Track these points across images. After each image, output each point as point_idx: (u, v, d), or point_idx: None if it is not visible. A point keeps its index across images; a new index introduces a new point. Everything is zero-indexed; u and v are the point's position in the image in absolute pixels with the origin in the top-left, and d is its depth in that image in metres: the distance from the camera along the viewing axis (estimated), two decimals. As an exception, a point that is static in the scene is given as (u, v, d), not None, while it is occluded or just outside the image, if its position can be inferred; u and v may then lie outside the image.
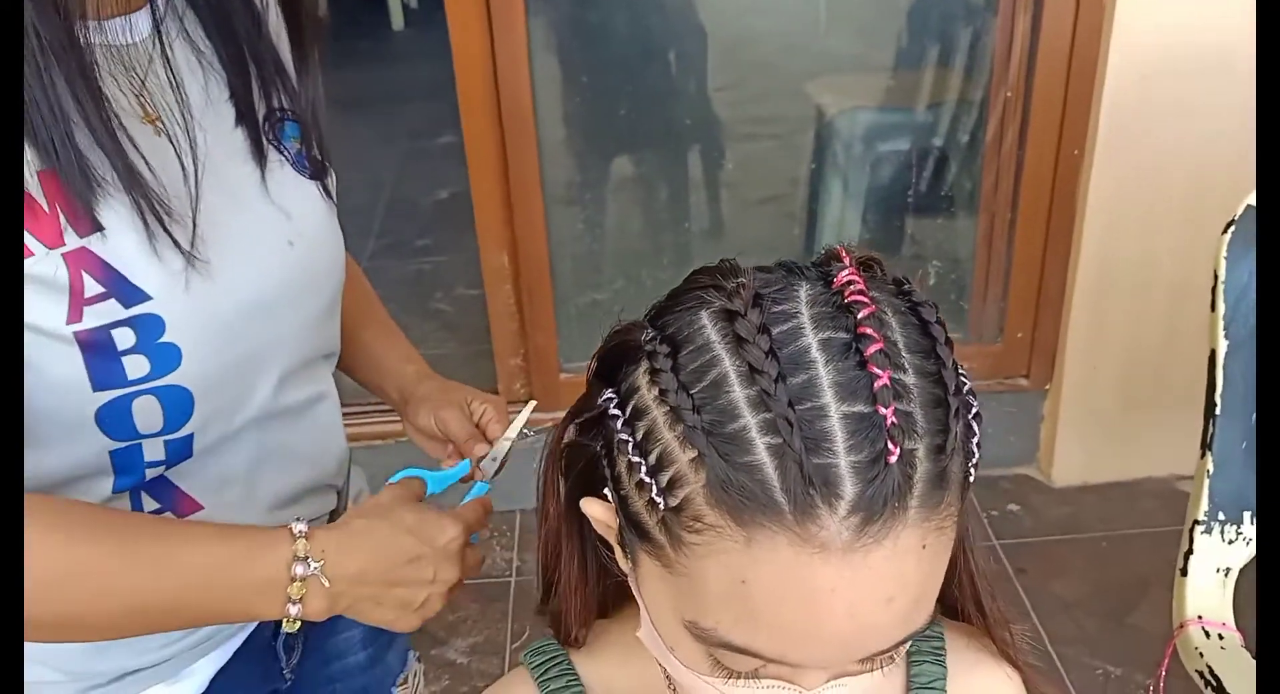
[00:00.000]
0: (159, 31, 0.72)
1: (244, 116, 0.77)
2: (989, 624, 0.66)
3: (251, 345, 0.75)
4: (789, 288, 0.50)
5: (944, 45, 2.18)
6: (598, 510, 0.56)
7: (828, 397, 0.46)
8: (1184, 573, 1.33)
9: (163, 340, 0.68)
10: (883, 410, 0.45)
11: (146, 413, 0.70)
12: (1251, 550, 1.32)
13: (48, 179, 0.64)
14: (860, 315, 0.47)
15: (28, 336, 0.65)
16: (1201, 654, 1.24)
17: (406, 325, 2.85)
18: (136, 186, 0.66)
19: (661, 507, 0.49)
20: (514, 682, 0.69)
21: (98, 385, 0.67)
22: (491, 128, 1.95)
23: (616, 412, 0.52)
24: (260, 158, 0.77)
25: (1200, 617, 1.30)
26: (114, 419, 0.69)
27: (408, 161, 3.74)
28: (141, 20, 0.72)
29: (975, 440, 0.51)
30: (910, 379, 0.48)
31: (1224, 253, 1.30)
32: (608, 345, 0.54)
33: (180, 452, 0.75)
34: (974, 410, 0.51)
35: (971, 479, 0.51)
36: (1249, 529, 1.32)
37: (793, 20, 2.18)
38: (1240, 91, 1.86)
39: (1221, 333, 1.31)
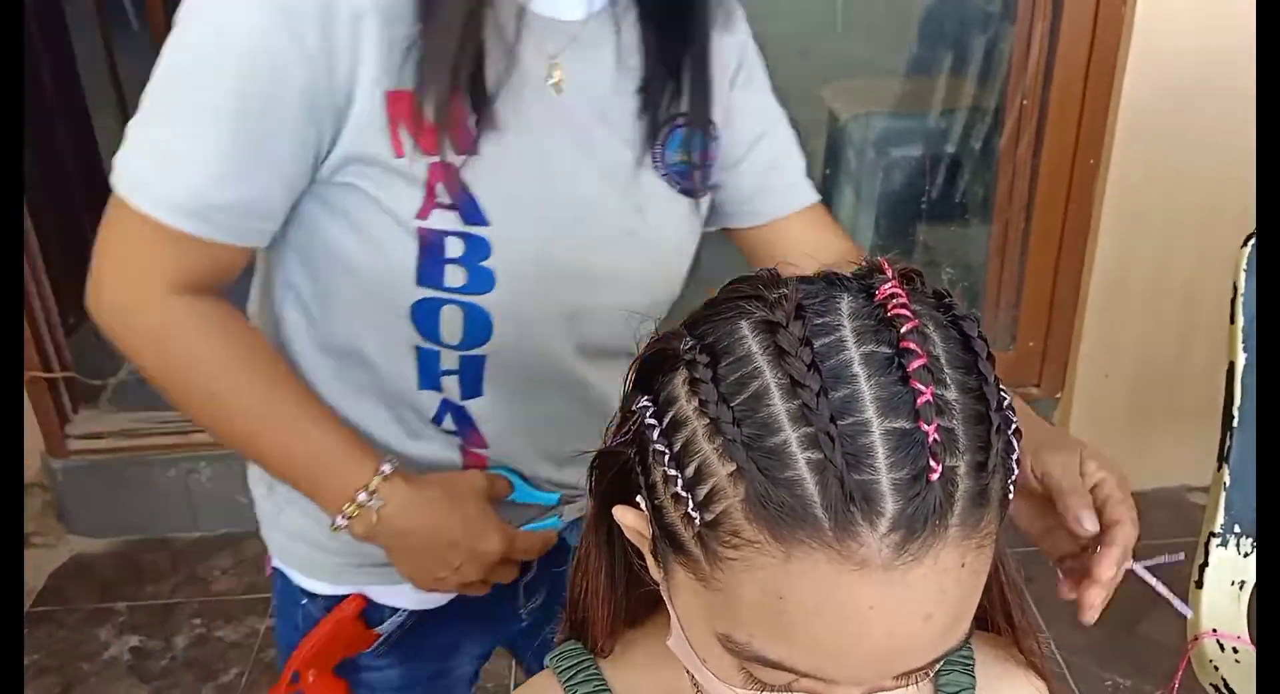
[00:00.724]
0: (613, 11, 0.80)
1: (644, 112, 0.82)
2: (1018, 635, 0.66)
3: (561, 308, 0.81)
4: (831, 300, 0.49)
5: (959, 52, 2.17)
6: (631, 519, 0.55)
7: (870, 412, 0.45)
8: (1199, 585, 1.32)
9: (484, 263, 0.76)
10: (925, 427, 0.45)
11: (450, 322, 0.79)
12: (1267, 564, 1.32)
13: (445, 99, 0.72)
14: (903, 329, 0.47)
15: (382, 218, 0.75)
16: (1216, 667, 1.24)
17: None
18: (571, 125, 0.76)
19: (698, 521, 0.48)
20: (541, 686, 0.68)
21: (420, 280, 0.77)
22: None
23: (653, 421, 0.51)
24: (640, 152, 0.82)
25: (1215, 630, 1.30)
26: (425, 317, 0.79)
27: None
28: (575, 4, 0.79)
29: (1015, 456, 0.50)
30: (952, 395, 0.47)
31: (1244, 265, 1.29)
32: (646, 352, 0.53)
33: (472, 375, 0.83)
34: (1014, 426, 0.51)
35: (1010, 495, 0.50)
36: (1265, 542, 1.32)
37: (808, 24, 2.18)
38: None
39: (1240, 345, 1.31)
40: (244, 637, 2.01)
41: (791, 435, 0.45)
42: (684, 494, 0.49)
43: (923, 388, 0.45)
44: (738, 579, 0.48)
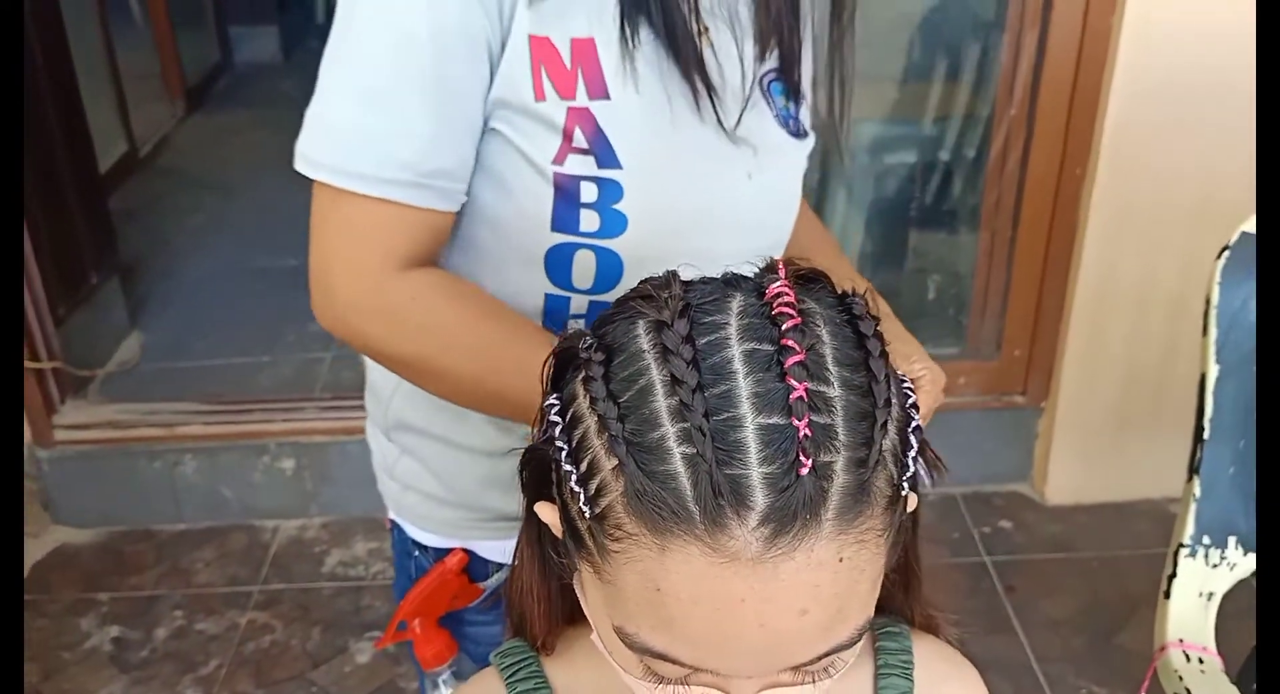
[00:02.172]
0: None
1: (757, 61, 0.83)
2: (923, 622, 0.67)
3: (688, 250, 0.78)
4: (723, 299, 0.51)
5: (951, 60, 2.18)
6: (548, 514, 0.56)
7: (745, 408, 0.46)
8: (1167, 595, 1.33)
9: (617, 206, 0.77)
10: (796, 422, 0.46)
11: (583, 267, 0.79)
12: (1236, 575, 1.32)
13: (580, 45, 0.75)
14: (784, 327, 0.48)
15: (519, 165, 0.76)
16: (1181, 677, 1.24)
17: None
18: (700, 70, 0.76)
19: (588, 514, 0.50)
20: (483, 682, 0.69)
21: (555, 226, 0.78)
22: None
23: (556, 418, 0.52)
24: (749, 98, 0.82)
25: (1181, 640, 1.30)
26: (558, 263, 0.80)
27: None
28: None
29: (911, 454, 0.51)
30: (835, 392, 0.48)
31: (1218, 278, 1.29)
32: (556, 351, 0.55)
33: None
34: (913, 424, 0.52)
35: (906, 493, 0.51)
36: (1234, 554, 1.32)
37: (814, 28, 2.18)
38: (1243, 114, 1.86)
39: (1213, 357, 1.31)
40: (224, 630, 2.01)
41: (670, 431, 0.47)
42: (577, 489, 0.50)
43: (796, 384, 0.46)
44: (622, 572, 0.49)
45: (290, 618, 2.04)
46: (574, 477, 0.50)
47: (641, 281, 0.53)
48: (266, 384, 2.45)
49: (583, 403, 0.50)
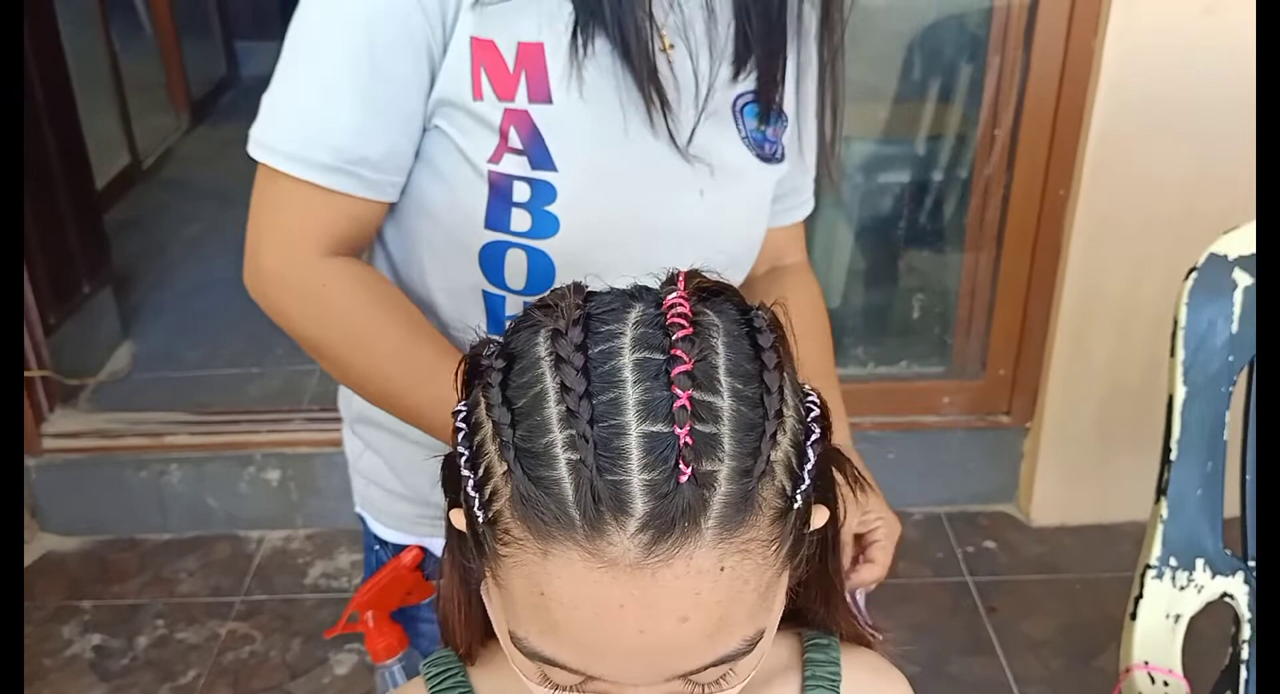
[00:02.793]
0: None
1: (731, 82, 0.85)
2: (864, 640, 0.67)
3: (625, 260, 0.80)
4: (623, 309, 0.51)
5: (937, 80, 2.19)
6: (459, 520, 0.57)
7: (629, 415, 0.47)
8: (1133, 617, 1.32)
9: (549, 208, 0.79)
10: (678, 430, 0.46)
11: (515, 266, 0.82)
12: (1204, 598, 1.31)
13: (527, 49, 0.77)
14: (675, 337, 0.48)
15: (458, 161, 0.79)
16: (1144, 701, 1.24)
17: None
18: (655, 83, 0.78)
19: (481, 519, 0.50)
20: (411, 691, 0.70)
21: (488, 224, 0.80)
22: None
23: (461, 425, 0.53)
24: (702, 113, 0.83)
25: (1147, 662, 1.30)
26: (491, 260, 0.82)
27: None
28: None
29: (808, 468, 0.51)
30: (723, 402, 0.48)
31: (1185, 299, 1.30)
32: (465, 358, 0.56)
33: None
34: (812, 437, 0.52)
35: (798, 505, 0.51)
36: (1200, 576, 1.31)
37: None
38: (1225, 133, 1.86)
39: (1180, 379, 1.31)
40: (205, 639, 2.02)
41: (557, 437, 0.47)
42: (473, 494, 0.51)
43: (680, 392, 0.47)
44: (511, 576, 0.50)
45: (271, 629, 2.04)
46: (470, 482, 0.51)
47: (553, 291, 0.54)
48: (255, 395, 2.46)
49: (481, 409, 0.51)
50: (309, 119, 0.77)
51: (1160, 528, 1.31)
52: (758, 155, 0.87)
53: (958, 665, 1.94)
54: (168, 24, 4.03)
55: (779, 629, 0.69)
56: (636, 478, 0.46)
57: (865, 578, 0.88)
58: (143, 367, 2.58)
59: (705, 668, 0.50)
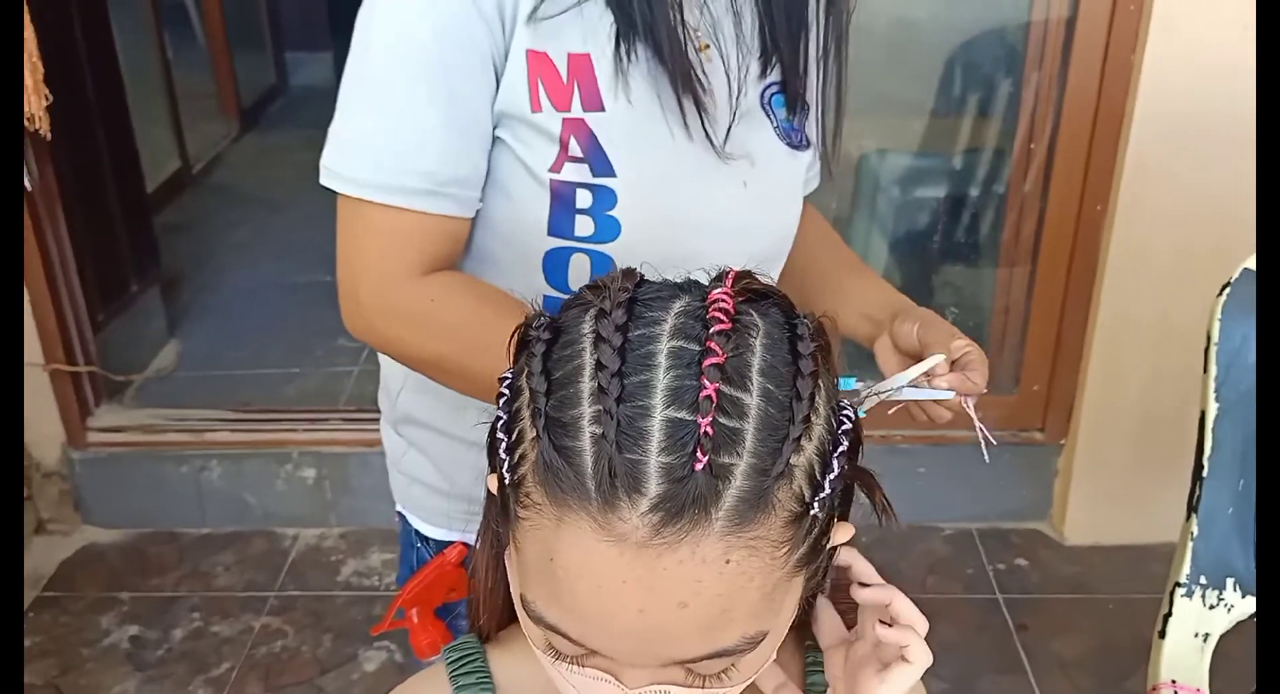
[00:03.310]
0: None
1: (761, 76, 0.87)
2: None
3: (680, 254, 0.81)
4: (669, 299, 0.53)
5: (975, 94, 2.18)
6: (493, 484, 0.58)
7: (656, 399, 0.48)
8: (1162, 635, 1.31)
9: (610, 212, 0.82)
10: (700, 419, 0.47)
11: (579, 270, 0.84)
12: (1233, 617, 1.30)
13: (576, 60, 0.79)
14: (712, 330, 0.50)
15: (519, 172, 0.81)
16: (1170, 718, 1.22)
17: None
18: (689, 87, 0.79)
19: (508, 481, 0.52)
20: (430, 676, 0.71)
21: (551, 231, 0.83)
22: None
23: (505, 391, 0.55)
24: (737, 112, 0.85)
25: (1174, 681, 1.28)
26: (555, 266, 0.84)
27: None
28: None
29: (831, 477, 0.52)
30: (751, 400, 0.49)
31: (1218, 314, 1.29)
32: (518, 329, 0.57)
33: None
34: (840, 449, 0.53)
35: (815, 512, 0.51)
36: (1231, 595, 1.30)
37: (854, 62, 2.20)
38: (1268, 155, 1.84)
39: (1213, 395, 1.30)
40: (239, 633, 2.05)
41: (585, 411, 0.49)
42: (504, 456, 0.53)
43: (707, 383, 0.48)
44: (526, 539, 0.51)
45: (303, 624, 2.07)
46: (504, 444, 0.53)
47: (609, 274, 0.56)
48: (293, 395, 2.51)
49: (524, 377, 0.53)
50: (393, 146, 0.78)
51: (1190, 545, 1.29)
52: (789, 144, 0.89)
53: (986, 684, 1.93)
54: (220, 35, 4.13)
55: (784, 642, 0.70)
56: (654, 459, 0.47)
57: (976, 388, 0.88)
58: (187, 365, 2.64)
59: (703, 658, 0.51)
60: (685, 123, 0.81)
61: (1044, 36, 1.96)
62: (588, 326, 0.52)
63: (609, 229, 0.82)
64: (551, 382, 0.51)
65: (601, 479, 0.47)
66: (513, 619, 0.69)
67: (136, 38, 3.27)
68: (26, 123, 1.86)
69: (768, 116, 0.88)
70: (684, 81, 0.80)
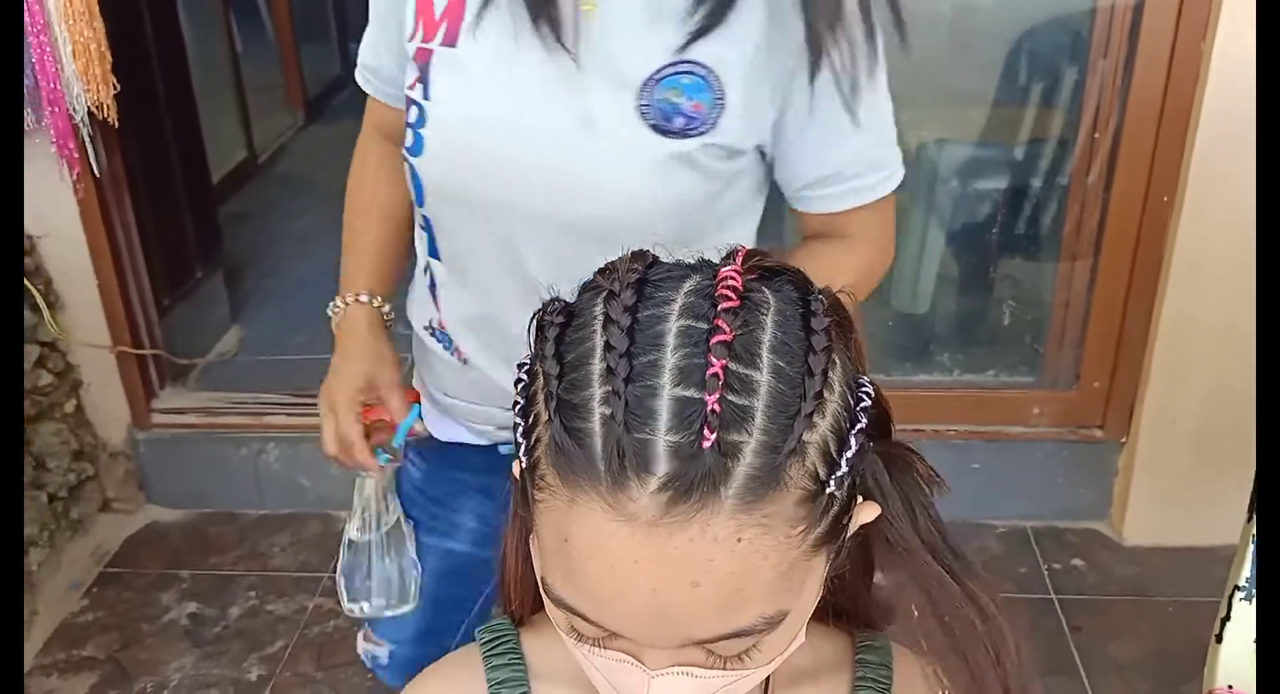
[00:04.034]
0: None
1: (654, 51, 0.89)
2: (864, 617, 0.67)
3: (490, 189, 0.94)
4: (679, 279, 0.52)
5: (1038, 84, 2.14)
6: (517, 469, 0.58)
7: (664, 378, 0.48)
8: (1219, 640, 1.27)
9: (422, 129, 0.94)
10: (708, 397, 0.47)
11: (410, 179, 0.99)
12: (1295, 623, 1.25)
13: (454, 2, 0.93)
14: (720, 307, 0.49)
15: (401, 88, 0.97)
16: (1225, 724, 1.19)
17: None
18: (552, 28, 0.88)
19: (524, 463, 0.53)
20: (464, 657, 0.72)
21: (404, 140, 0.97)
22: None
23: (523, 376, 0.55)
24: (620, 79, 0.89)
25: (1231, 686, 1.25)
26: (408, 170, 0.98)
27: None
28: None
29: (848, 455, 0.51)
30: (761, 376, 0.49)
31: (1284, 309, 1.24)
32: (536, 314, 0.57)
33: (430, 235, 1.02)
34: (857, 427, 0.52)
35: (831, 490, 0.50)
36: (1292, 600, 1.26)
37: (908, 52, 2.16)
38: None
39: (1277, 392, 1.25)
40: (293, 612, 2.10)
41: (595, 392, 0.49)
42: (521, 440, 0.53)
43: (715, 361, 0.47)
44: (542, 521, 0.52)
45: (355, 606, 2.11)
46: (521, 428, 0.53)
47: (622, 257, 0.56)
48: (350, 381, 2.54)
49: (538, 363, 0.53)
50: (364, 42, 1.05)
51: (1251, 548, 1.26)
52: (651, 123, 0.88)
53: (1038, 685, 1.89)
54: (287, 27, 4.21)
55: (831, 626, 0.69)
56: (662, 439, 0.47)
57: None
58: (249, 350, 2.69)
59: (720, 639, 0.51)
60: (533, 71, 0.89)
61: (1110, 24, 1.91)
62: (598, 309, 0.52)
63: (418, 144, 0.94)
64: (564, 365, 0.51)
65: (611, 459, 0.47)
66: (542, 602, 0.69)
67: (207, 32, 3.35)
68: (95, 110, 1.91)
69: (642, 91, 0.88)
70: (548, 24, 0.87)
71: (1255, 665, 1.25)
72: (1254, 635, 1.26)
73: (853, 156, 0.96)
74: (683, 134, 0.89)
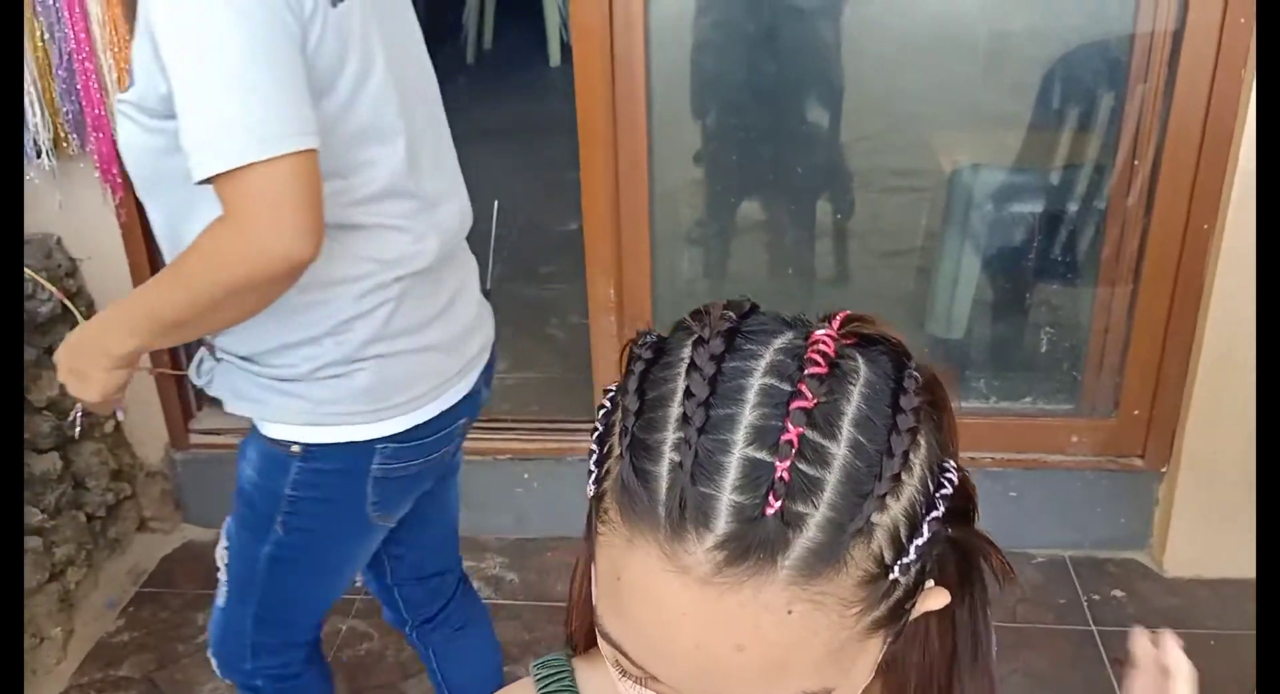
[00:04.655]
0: None
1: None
2: None
3: None
4: (771, 334, 0.51)
5: (1075, 108, 2.12)
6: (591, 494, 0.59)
7: (738, 435, 0.47)
8: (1266, 678, 1.24)
9: None
10: (778, 463, 0.46)
11: None
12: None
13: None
14: (806, 372, 0.48)
15: None
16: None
17: (518, 347, 2.93)
18: None
19: (592, 493, 0.52)
20: (518, 691, 0.72)
21: None
22: (607, 164, 2.01)
23: (606, 402, 0.55)
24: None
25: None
26: None
27: (546, 191, 3.87)
28: None
29: (919, 542, 0.49)
30: (838, 449, 0.47)
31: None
32: (627, 344, 0.57)
33: None
34: (933, 514, 0.50)
35: (895, 576, 0.49)
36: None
37: (943, 75, 2.16)
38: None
39: (1325, 426, 1.23)
40: (326, 635, 2.08)
41: (669, 436, 0.48)
42: (594, 468, 0.53)
43: (791, 427, 0.46)
44: (600, 554, 0.52)
45: (387, 629, 2.10)
46: (595, 456, 0.53)
47: (717, 302, 0.55)
48: (384, 403, 2.56)
49: (620, 395, 0.53)
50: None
51: (1297, 583, 1.23)
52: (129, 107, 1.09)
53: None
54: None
55: None
56: (726, 496, 0.46)
57: None
58: (283, 371, 2.71)
59: None
60: None
61: (1149, 49, 1.90)
62: (685, 351, 0.51)
63: None
64: (644, 402, 0.50)
65: (672, 509, 0.47)
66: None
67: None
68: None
69: (131, 72, 1.10)
70: None
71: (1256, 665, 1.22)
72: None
73: (185, 136, 1.03)
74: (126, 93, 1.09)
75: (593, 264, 2.11)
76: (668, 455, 0.48)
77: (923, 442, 0.50)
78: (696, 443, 0.47)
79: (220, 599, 1.43)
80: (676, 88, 2.13)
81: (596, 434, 0.54)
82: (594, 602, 0.54)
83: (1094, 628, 2.06)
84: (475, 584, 2.20)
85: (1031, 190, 2.18)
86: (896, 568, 0.49)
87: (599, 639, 0.55)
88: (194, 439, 2.35)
